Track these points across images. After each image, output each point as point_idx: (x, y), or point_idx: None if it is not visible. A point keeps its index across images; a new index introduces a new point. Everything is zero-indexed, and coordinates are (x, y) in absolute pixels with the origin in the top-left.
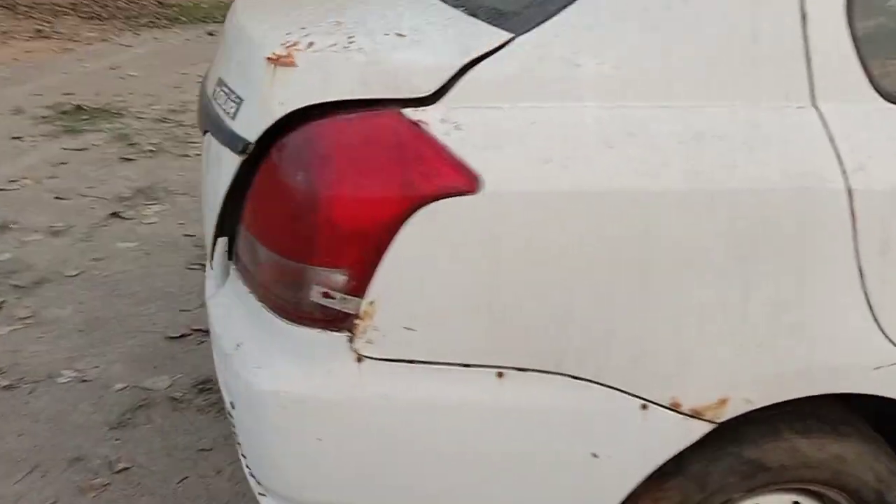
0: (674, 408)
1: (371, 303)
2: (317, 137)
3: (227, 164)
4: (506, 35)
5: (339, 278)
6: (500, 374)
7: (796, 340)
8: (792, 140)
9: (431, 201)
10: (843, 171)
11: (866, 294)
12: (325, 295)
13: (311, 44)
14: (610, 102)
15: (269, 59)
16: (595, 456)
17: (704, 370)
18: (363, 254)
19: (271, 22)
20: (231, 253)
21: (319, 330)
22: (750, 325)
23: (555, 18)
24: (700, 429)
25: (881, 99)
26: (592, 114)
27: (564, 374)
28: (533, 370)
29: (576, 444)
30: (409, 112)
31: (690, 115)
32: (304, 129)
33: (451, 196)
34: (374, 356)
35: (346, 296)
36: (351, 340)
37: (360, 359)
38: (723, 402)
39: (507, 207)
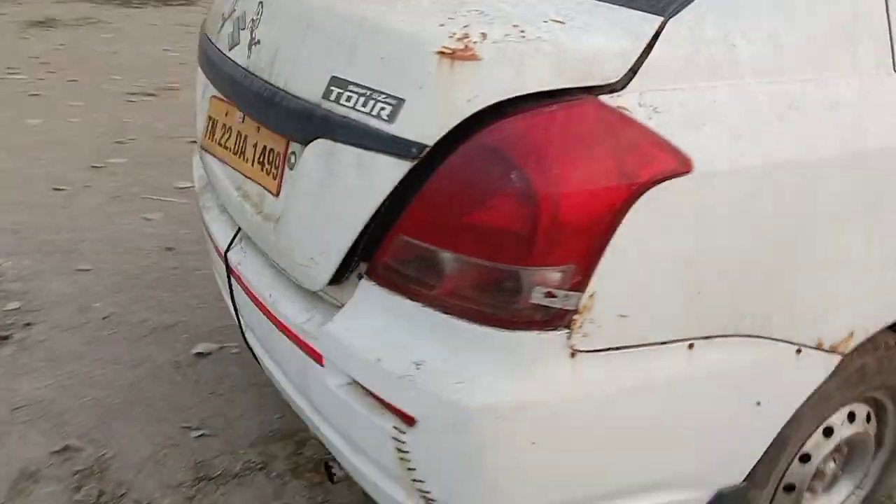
0: (818, 347)
1: (591, 296)
2: (526, 133)
3: (370, 174)
4: (657, 18)
5: (562, 275)
6: (690, 346)
7: None
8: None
9: (651, 187)
10: None
11: None
12: (549, 294)
13: (483, 35)
14: (765, 79)
15: (441, 53)
16: (758, 404)
17: (840, 311)
18: (587, 247)
19: (397, 12)
20: (349, 270)
21: (537, 331)
22: (872, 267)
23: (697, 2)
24: (834, 361)
25: None
26: (757, 90)
27: (741, 335)
28: (717, 336)
29: (745, 397)
30: (607, 99)
31: (822, 87)
32: (505, 125)
33: (667, 179)
34: (588, 349)
35: (568, 292)
36: (568, 337)
37: (573, 354)
38: (850, 335)
39: (714, 185)
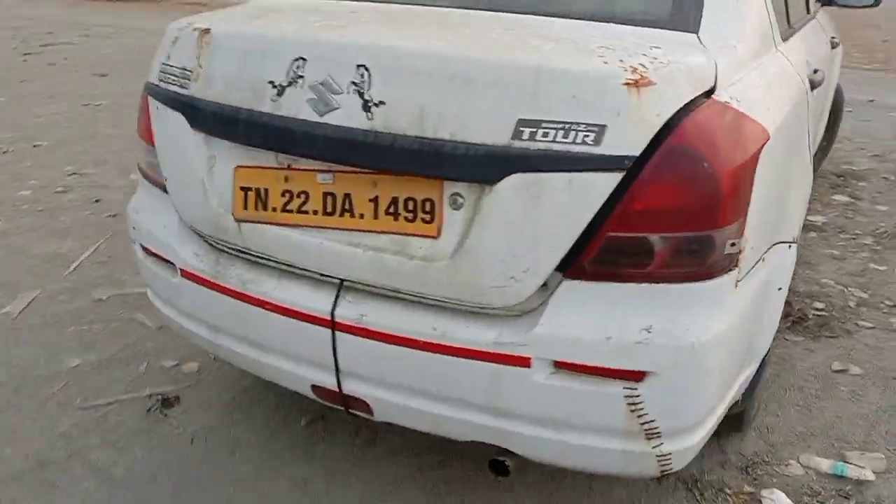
0: (794, 241)
1: (746, 238)
2: (700, 132)
3: (583, 191)
4: (692, 35)
5: (737, 227)
6: (762, 260)
7: None
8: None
9: (761, 153)
10: None
11: None
12: (732, 244)
13: (642, 65)
14: (755, 62)
15: (628, 84)
16: (780, 289)
17: (798, 213)
18: (745, 203)
19: (562, 56)
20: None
21: (724, 276)
22: (800, 182)
23: (704, 18)
24: (796, 249)
25: None
26: (756, 72)
27: (777, 243)
28: (771, 247)
29: (777, 285)
30: (718, 98)
31: (775, 59)
32: (685, 130)
33: (765, 145)
34: (741, 279)
35: (738, 239)
36: (737, 274)
37: (736, 285)
38: (799, 229)
39: (774, 140)
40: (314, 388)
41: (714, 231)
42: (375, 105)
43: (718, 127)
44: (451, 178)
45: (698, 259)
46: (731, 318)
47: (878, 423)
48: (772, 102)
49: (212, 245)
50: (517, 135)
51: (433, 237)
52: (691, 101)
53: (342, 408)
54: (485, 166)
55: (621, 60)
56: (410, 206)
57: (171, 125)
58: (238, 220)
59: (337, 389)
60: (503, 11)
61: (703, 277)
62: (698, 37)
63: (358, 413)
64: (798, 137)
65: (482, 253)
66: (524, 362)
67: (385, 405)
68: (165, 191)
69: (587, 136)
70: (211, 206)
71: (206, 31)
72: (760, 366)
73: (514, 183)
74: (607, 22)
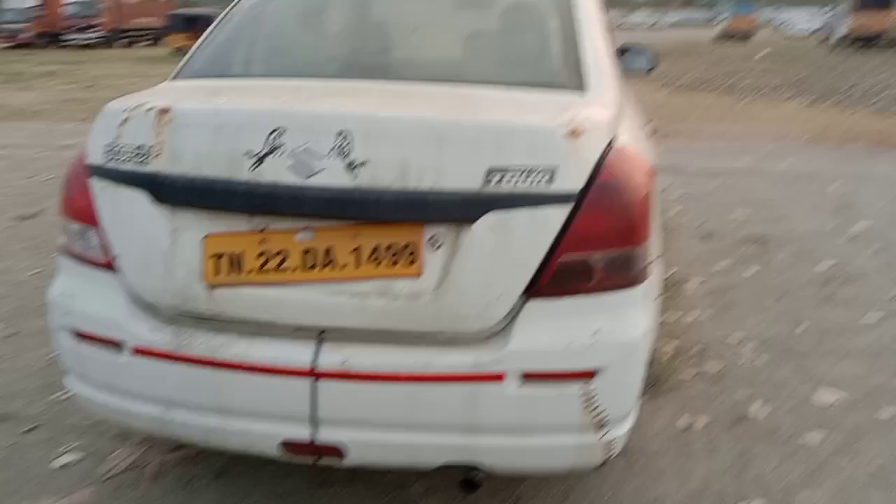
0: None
1: (651, 252)
2: (621, 169)
3: (543, 223)
4: (582, 94)
5: (648, 243)
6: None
7: None
8: None
9: (652, 181)
10: None
11: None
12: (646, 257)
13: (572, 120)
14: (622, 111)
15: (570, 133)
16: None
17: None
18: (650, 223)
19: (518, 117)
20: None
21: (644, 282)
22: None
23: (584, 80)
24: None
25: None
26: (629, 119)
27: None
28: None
29: (657, 291)
30: (618, 142)
31: (627, 111)
32: (609, 168)
33: (653, 176)
34: (650, 286)
35: (648, 253)
36: (651, 280)
37: (649, 290)
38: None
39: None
40: (284, 444)
41: (636, 247)
42: (360, 164)
43: (629, 165)
44: (433, 222)
45: (626, 271)
46: (649, 317)
47: (744, 471)
48: (643, 144)
49: (166, 319)
50: (488, 181)
51: (416, 276)
52: (607, 145)
53: (311, 460)
54: (463, 209)
55: (559, 116)
56: (393, 252)
57: (124, 202)
58: (211, 287)
59: (310, 440)
60: (420, 81)
61: (630, 285)
62: (587, 95)
63: (327, 463)
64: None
65: (462, 285)
66: (498, 378)
67: (361, 446)
68: (107, 269)
69: (543, 176)
70: (176, 277)
71: (165, 110)
72: None
73: (488, 221)
74: (518, 86)
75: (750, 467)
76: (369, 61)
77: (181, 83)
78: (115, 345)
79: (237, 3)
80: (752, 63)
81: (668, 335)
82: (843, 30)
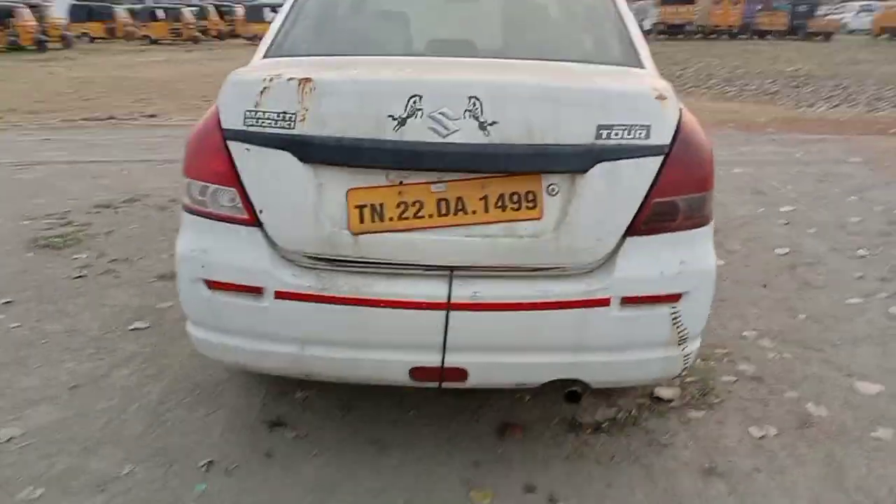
0: None
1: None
2: (695, 127)
3: (643, 171)
4: (643, 69)
5: (712, 191)
6: None
7: None
8: None
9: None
10: None
11: None
12: (711, 202)
13: (656, 88)
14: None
15: (659, 98)
16: None
17: None
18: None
19: (621, 83)
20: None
21: (711, 223)
22: None
23: (641, 59)
24: None
25: None
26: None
27: None
28: None
29: None
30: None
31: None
32: (687, 126)
33: None
34: None
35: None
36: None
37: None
38: None
39: None
40: (414, 370)
41: (707, 192)
42: (491, 124)
43: (698, 125)
44: (553, 172)
45: (700, 212)
46: (713, 252)
47: (842, 478)
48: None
49: (306, 266)
50: (598, 136)
51: (538, 218)
52: (680, 109)
53: (436, 383)
54: (579, 160)
55: (645, 84)
56: (515, 199)
57: (269, 162)
58: (356, 234)
59: (439, 365)
60: (503, 58)
61: (703, 224)
62: (648, 71)
63: (451, 384)
64: None
65: (577, 225)
66: (605, 302)
67: (482, 368)
68: (245, 224)
69: (641, 132)
70: (323, 226)
71: (307, 79)
72: None
73: (599, 170)
74: (592, 63)
75: (845, 474)
76: (454, 42)
77: (276, 60)
78: (256, 291)
79: None
80: None
81: None
82: (652, 19)
